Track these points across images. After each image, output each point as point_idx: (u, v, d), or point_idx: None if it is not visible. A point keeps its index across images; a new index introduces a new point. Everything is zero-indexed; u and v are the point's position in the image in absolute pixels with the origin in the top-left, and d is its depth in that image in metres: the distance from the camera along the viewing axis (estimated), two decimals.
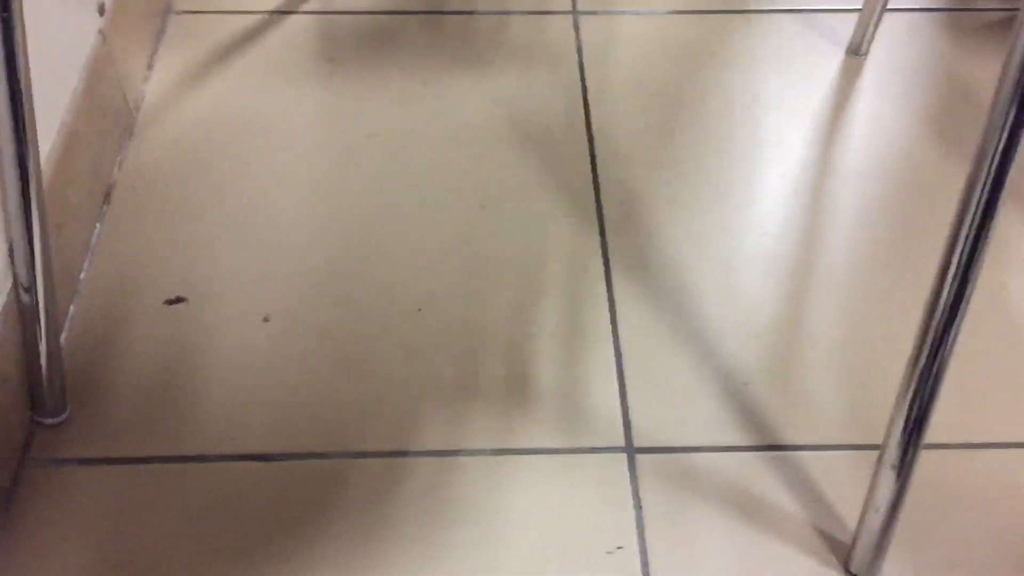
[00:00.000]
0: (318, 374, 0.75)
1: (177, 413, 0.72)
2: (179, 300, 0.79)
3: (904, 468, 0.61)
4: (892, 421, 0.61)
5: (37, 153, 0.63)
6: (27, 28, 0.60)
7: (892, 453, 0.61)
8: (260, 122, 0.94)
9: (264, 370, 0.75)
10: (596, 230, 0.86)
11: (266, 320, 0.78)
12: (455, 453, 0.70)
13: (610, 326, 0.79)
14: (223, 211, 0.86)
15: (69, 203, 0.78)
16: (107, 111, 0.87)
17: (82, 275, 0.81)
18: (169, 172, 0.89)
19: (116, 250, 0.83)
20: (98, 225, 0.84)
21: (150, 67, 0.98)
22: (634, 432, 0.72)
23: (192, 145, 0.91)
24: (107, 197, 0.86)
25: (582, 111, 0.96)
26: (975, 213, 0.54)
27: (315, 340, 0.77)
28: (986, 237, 0.55)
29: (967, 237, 0.55)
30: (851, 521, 0.67)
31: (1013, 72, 0.50)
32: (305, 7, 1.06)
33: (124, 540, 0.65)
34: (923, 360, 0.59)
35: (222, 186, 0.88)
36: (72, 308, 0.78)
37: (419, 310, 0.79)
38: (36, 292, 0.67)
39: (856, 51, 1.04)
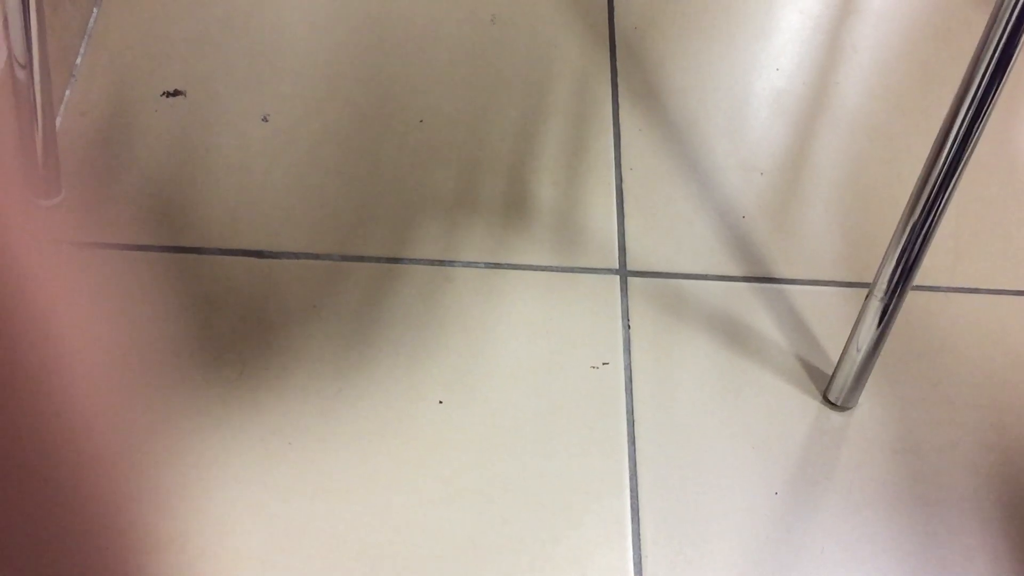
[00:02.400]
0: (316, 177, 0.74)
1: (173, 205, 0.72)
2: (177, 93, 0.78)
3: (891, 307, 0.62)
4: (884, 261, 0.61)
5: None
6: None
7: (880, 291, 0.62)
8: None
9: (262, 169, 0.74)
10: (607, 54, 0.84)
11: (265, 120, 0.77)
12: (450, 263, 0.71)
13: (613, 150, 0.78)
14: (226, 4, 0.83)
15: None
16: None
17: (78, 60, 0.79)
18: None
19: (114, 37, 0.80)
20: (95, 10, 0.82)
21: None
22: (628, 255, 0.72)
23: None
24: None
25: None
26: (991, 58, 0.53)
27: (314, 143, 0.76)
28: (999, 84, 0.54)
29: (979, 83, 0.54)
30: (834, 354, 0.68)
31: None
32: None
33: (114, 322, 0.66)
34: (921, 203, 0.59)
35: None
36: (67, 93, 0.77)
37: (421, 121, 0.78)
38: (32, 69, 0.65)
39: None
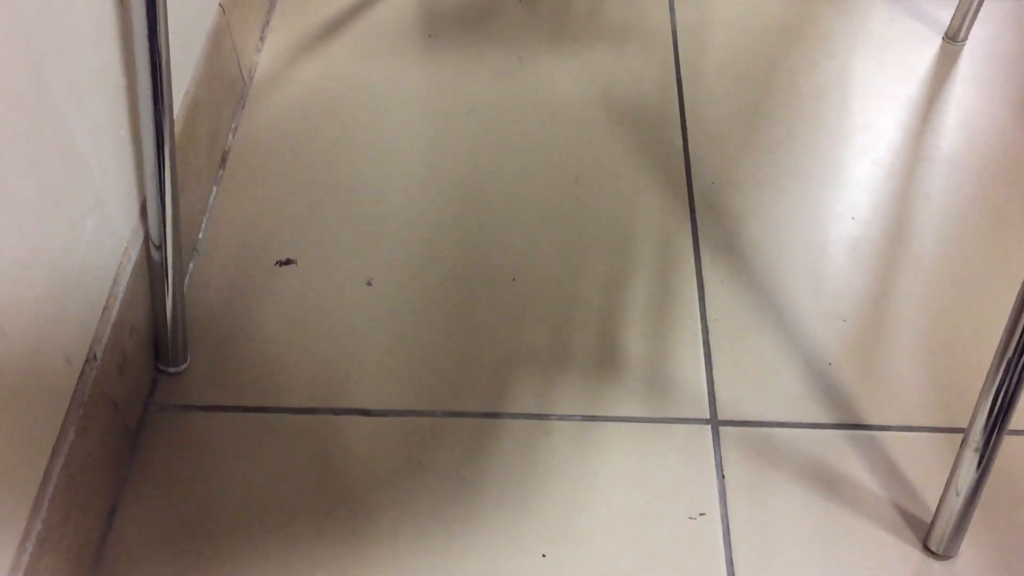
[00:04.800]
0: (417, 337, 0.79)
1: (287, 368, 0.77)
2: (289, 262, 0.84)
3: (987, 452, 0.63)
4: (978, 406, 0.62)
5: (172, 120, 0.68)
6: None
7: (976, 437, 0.63)
8: (365, 93, 0.98)
9: (367, 331, 0.79)
10: (686, 208, 0.88)
11: (369, 284, 0.83)
12: (546, 417, 0.74)
13: (698, 302, 0.81)
14: (330, 178, 0.90)
15: (190, 167, 0.83)
16: (224, 80, 0.92)
17: (200, 235, 0.86)
18: (280, 139, 0.94)
19: (231, 212, 0.88)
20: (215, 188, 0.89)
21: (262, 39, 1.03)
22: (719, 405, 0.75)
23: (301, 114, 0.96)
24: (223, 162, 0.91)
25: (675, 91, 0.98)
26: None
27: (415, 304, 0.81)
28: None
29: None
30: (931, 501, 0.68)
31: None
32: None
33: (236, 482, 0.70)
34: (1013, 347, 0.60)
35: (329, 154, 0.92)
36: (191, 265, 0.83)
37: (514, 280, 0.83)
38: (165, 249, 0.72)
39: (954, 38, 1.03)
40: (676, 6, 1.07)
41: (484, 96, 0.98)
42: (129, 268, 0.71)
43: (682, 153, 0.93)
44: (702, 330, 0.79)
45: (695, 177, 0.91)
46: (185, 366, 0.76)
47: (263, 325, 0.79)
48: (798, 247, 0.85)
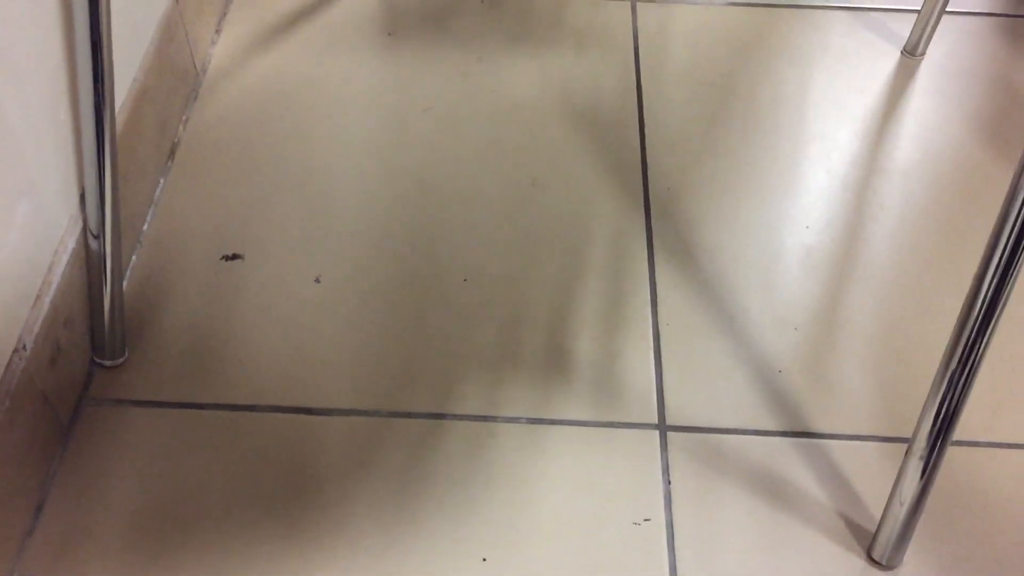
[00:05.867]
0: (365, 335, 0.77)
1: (229, 364, 0.75)
2: (235, 256, 0.82)
3: (931, 462, 0.63)
4: (922, 416, 0.62)
5: (113, 107, 0.66)
6: None
7: (920, 447, 0.62)
8: (321, 90, 0.96)
9: (313, 328, 0.78)
10: (642, 213, 0.88)
11: (317, 281, 0.81)
12: (492, 419, 0.73)
13: (650, 307, 0.80)
14: (282, 173, 0.89)
15: (136, 157, 0.81)
16: (176, 71, 0.90)
17: (144, 227, 0.84)
18: (231, 133, 0.92)
19: (178, 205, 0.86)
20: (162, 180, 0.88)
21: (218, 31, 1.01)
22: (667, 410, 0.74)
23: (254, 108, 0.94)
24: (172, 154, 0.90)
25: (635, 96, 0.98)
26: (1018, 214, 0.55)
27: (364, 303, 0.80)
28: None
29: (1008, 238, 0.56)
30: (876, 510, 0.68)
31: None
32: None
33: (171, 479, 0.68)
34: (957, 358, 0.60)
35: (282, 149, 0.91)
36: (134, 258, 0.81)
37: (465, 280, 0.82)
38: (104, 239, 0.70)
39: (912, 51, 1.04)
40: (638, 10, 1.07)
41: (441, 95, 0.97)
42: (66, 257, 0.69)
43: (639, 157, 0.92)
44: (653, 335, 0.79)
45: (651, 182, 0.90)
46: (123, 360, 0.74)
47: (206, 320, 0.78)
48: (752, 254, 0.85)
